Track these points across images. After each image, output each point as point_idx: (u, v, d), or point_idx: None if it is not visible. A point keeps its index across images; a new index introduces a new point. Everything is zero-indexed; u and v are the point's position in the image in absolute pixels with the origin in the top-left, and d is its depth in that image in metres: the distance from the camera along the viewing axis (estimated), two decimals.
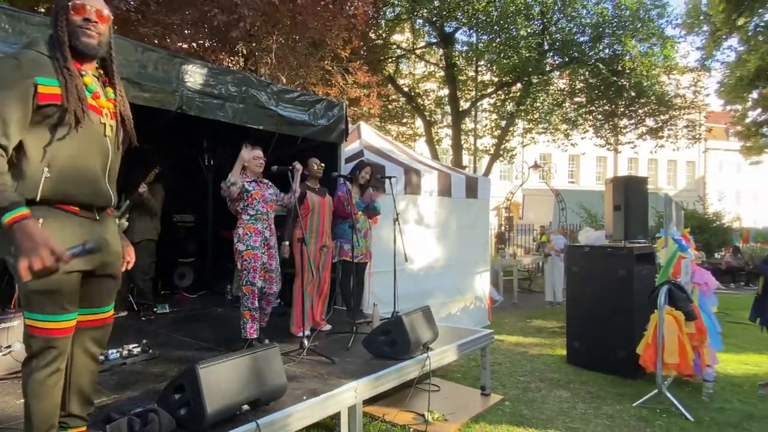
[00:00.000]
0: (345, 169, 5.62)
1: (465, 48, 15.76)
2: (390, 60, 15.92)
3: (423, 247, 6.56)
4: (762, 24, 18.46)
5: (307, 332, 4.28)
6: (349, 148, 6.61)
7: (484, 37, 14.82)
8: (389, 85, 15.69)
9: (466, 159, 17.72)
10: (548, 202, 15.52)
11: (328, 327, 4.72)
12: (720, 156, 35.17)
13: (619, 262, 5.25)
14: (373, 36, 13.65)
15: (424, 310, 4.14)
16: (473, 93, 16.19)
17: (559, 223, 13.29)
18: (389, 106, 16.41)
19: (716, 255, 14.48)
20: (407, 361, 3.61)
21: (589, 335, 5.46)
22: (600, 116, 16.45)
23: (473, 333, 4.61)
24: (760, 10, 18.04)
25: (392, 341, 3.72)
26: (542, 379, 5.09)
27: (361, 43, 11.29)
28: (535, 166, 20.03)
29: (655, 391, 4.26)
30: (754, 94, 19.18)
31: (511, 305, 10.21)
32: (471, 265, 7.44)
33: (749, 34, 18.47)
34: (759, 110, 19.79)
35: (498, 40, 14.50)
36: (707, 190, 32.56)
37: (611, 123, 16.44)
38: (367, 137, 7.47)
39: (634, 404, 4.27)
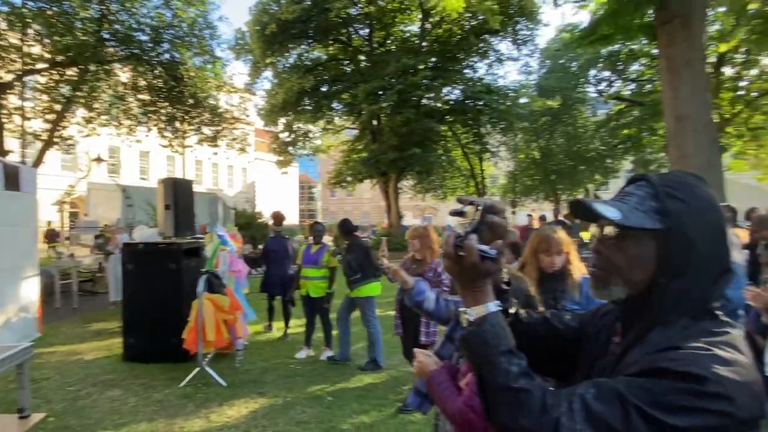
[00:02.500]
0: None
1: (6, 8, 12.50)
2: None
3: None
4: (288, 65, 22.93)
5: None
6: None
7: (32, 4, 12.23)
8: None
9: (13, 143, 14.14)
10: (116, 198, 14.28)
11: None
12: (265, 165, 41.08)
13: (170, 256, 5.53)
14: None
15: None
16: (19, 65, 13.06)
17: (126, 221, 12.45)
18: None
19: (260, 246, 16.91)
20: None
21: (145, 329, 5.50)
22: (164, 117, 16.41)
23: (3, 351, 3.84)
24: (285, 54, 22.37)
25: None
26: (95, 383, 4.79)
27: None
28: (98, 159, 18.02)
29: (198, 368, 4.76)
30: (284, 120, 23.65)
31: (71, 311, 8.90)
32: (14, 270, 6.10)
33: (279, 70, 22.62)
34: (286, 133, 24.49)
35: (50, 11, 12.26)
36: (256, 192, 37.58)
37: (173, 126, 16.68)
38: None
39: (180, 385, 4.63)
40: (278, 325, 7.09)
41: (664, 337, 0.84)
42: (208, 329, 4.79)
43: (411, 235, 4.08)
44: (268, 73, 23.05)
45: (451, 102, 22.62)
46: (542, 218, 11.14)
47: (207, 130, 17.37)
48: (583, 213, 0.89)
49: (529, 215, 12.12)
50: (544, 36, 74.96)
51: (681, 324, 0.85)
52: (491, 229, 0.93)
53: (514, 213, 25.96)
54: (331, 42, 23.13)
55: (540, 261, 2.69)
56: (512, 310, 1.10)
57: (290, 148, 24.76)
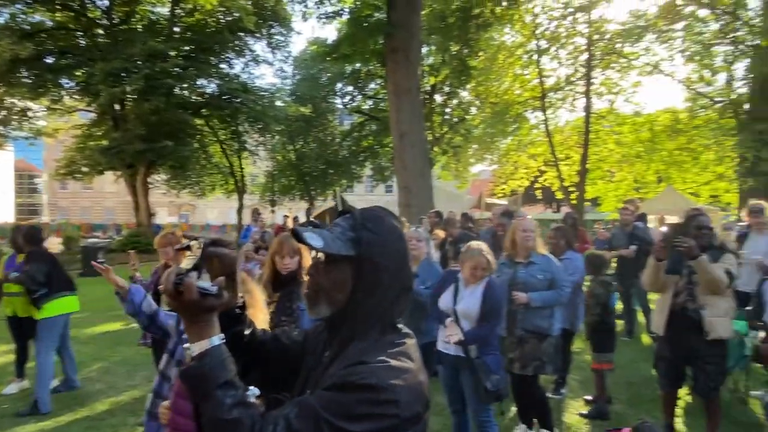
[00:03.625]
0: None
1: None
2: None
3: None
4: None
5: None
6: None
7: None
8: None
9: None
10: None
11: None
12: None
13: None
14: None
15: None
16: None
17: None
18: None
19: None
20: None
21: None
22: None
23: None
24: None
25: None
26: None
27: None
28: None
29: None
30: None
31: None
32: None
33: None
34: None
35: None
36: None
37: None
38: None
39: None
40: None
41: (357, 350, 0.95)
42: None
43: (161, 243, 3.68)
44: None
45: (207, 95, 21.46)
46: (295, 219, 11.68)
47: None
48: (297, 239, 0.98)
49: (286, 216, 12.52)
50: (298, 44, 77.46)
51: (372, 338, 0.97)
52: (220, 261, 1.00)
53: (273, 212, 26.33)
54: (58, 7, 19.08)
55: (276, 264, 2.77)
56: (247, 332, 1.14)
57: (0, 128, 19.53)
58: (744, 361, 3.99)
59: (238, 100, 20.45)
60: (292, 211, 24.00)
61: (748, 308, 4.05)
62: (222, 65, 21.92)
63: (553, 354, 3.60)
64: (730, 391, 4.03)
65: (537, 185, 18.17)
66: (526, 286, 3.50)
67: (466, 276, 3.18)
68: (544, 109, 15.86)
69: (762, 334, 3.90)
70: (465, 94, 18.87)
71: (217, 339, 0.92)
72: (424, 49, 17.26)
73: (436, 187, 12.94)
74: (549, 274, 3.55)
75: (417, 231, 3.93)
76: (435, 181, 15.33)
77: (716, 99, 12.66)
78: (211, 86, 21.62)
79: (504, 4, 14.61)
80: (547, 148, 16.27)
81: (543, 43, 15.72)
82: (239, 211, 24.01)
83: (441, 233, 6.47)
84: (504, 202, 16.38)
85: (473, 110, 18.72)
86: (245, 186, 25.56)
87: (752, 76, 11.22)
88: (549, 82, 16.06)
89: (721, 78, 12.69)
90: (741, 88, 12.22)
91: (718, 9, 11.80)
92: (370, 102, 22.96)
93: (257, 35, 21.53)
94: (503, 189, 18.33)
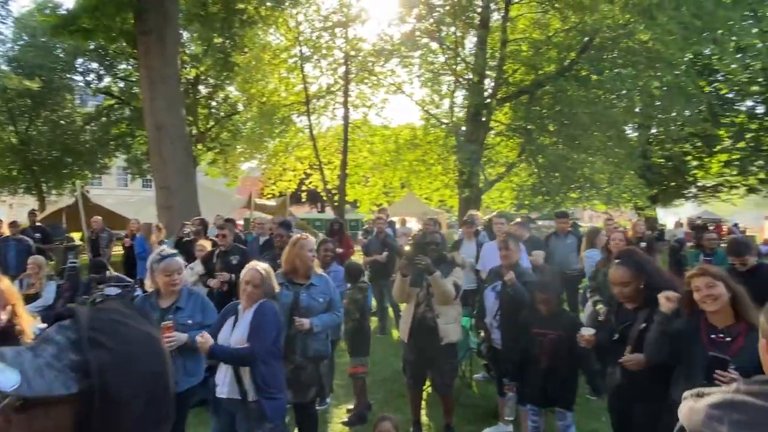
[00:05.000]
0: None
1: None
2: None
3: None
4: None
5: None
6: None
7: None
8: None
9: None
10: None
11: None
12: None
13: None
14: None
15: None
16: None
17: None
18: None
19: None
20: None
21: None
22: None
23: None
24: None
25: None
26: None
27: None
28: None
29: None
30: None
31: None
32: None
33: None
34: None
35: None
36: None
37: None
38: None
39: None
40: None
41: None
42: None
43: None
44: None
45: None
46: (13, 224, 8.66)
47: None
48: None
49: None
50: (22, 2, 60.40)
51: None
52: None
53: None
54: None
55: None
56: None
57: None
58: (469, 352, 4.64)
59: None
60: (13, 208, 18.52)
61: (471, 308, 4.70)
62: None
63: (328, 372, 3.52)
64: (459, 377, 4.61)
65: (304, 187, 18.36)
66: (309, 311, 3.26)
67: (244, 299, 2.80)
68: (308, 114, 16.07)
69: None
70: (233, 89, 17.63)
71: None
72: (185, 36, 15.35)
73: (201, 185, 11.63)
74: (327, 296, 3.41)
75: (175, 260, 3.14)
76: (201, 178, 13.83)
77: (442, 120, 14.98)
78: None
79: (268, 4, 14.07)
80: (312, 152, 16.58)
81: (306, 51, 15.84)
82: None
83: (207, 244, 5.71)
84: (273, 203, 16.01)
85: (240, 107, 17.63)
86: None
87: (467, 104, 13.62)
88: (313, 89, 16.33)
89: (446, 103, 15.06)
90: (459, 113, 14.74)
91: (444, 44, 13.88)
92: (121, 83, 19.18)
93: None
94: (273, 190, 17.94)
